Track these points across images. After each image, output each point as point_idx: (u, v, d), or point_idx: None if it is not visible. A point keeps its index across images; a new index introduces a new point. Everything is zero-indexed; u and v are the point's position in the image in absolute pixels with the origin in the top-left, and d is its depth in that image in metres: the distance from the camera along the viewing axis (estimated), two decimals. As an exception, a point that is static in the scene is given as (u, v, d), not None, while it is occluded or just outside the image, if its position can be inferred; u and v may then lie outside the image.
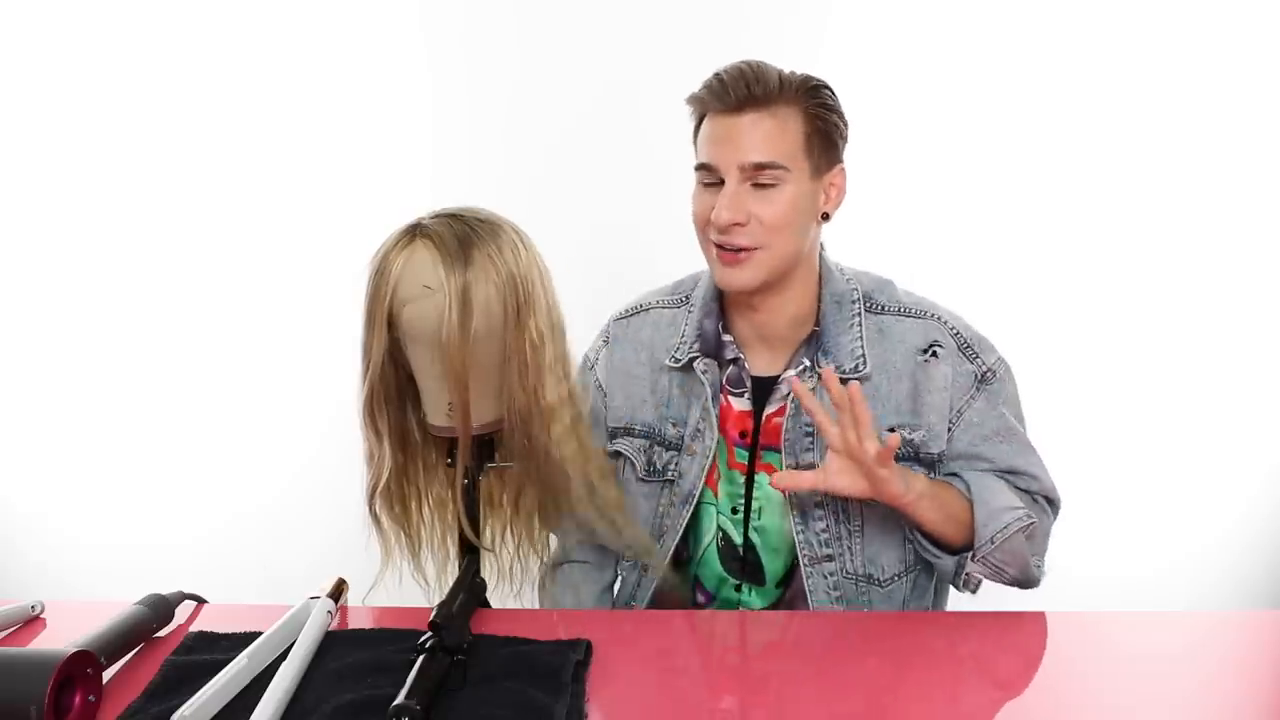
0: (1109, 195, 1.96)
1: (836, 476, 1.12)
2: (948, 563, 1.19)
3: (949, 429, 1.23)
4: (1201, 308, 2.00)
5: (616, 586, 1.39)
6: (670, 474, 1.29)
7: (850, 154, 1.25)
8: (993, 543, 1.14)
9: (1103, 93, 1.93)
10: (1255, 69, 1.91)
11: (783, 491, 1.22)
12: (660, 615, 1.27)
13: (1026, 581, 1.21)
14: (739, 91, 1.15)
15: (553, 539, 1.29)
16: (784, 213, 1.16)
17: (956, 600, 1.33)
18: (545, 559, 1.24)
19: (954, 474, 1.23)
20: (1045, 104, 1.94)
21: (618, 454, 1.34)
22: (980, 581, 1.20)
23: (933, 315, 1.25)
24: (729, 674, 1.04)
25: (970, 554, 1.16)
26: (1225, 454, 2.02)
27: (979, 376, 1.23)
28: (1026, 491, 1.24)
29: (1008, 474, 1.23)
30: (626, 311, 1.38)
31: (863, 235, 1.35)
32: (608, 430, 1.35)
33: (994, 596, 1.28)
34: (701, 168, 1.20)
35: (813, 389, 1.21)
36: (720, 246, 1.19)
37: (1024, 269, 1.97)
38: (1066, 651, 1.03)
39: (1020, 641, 1.06)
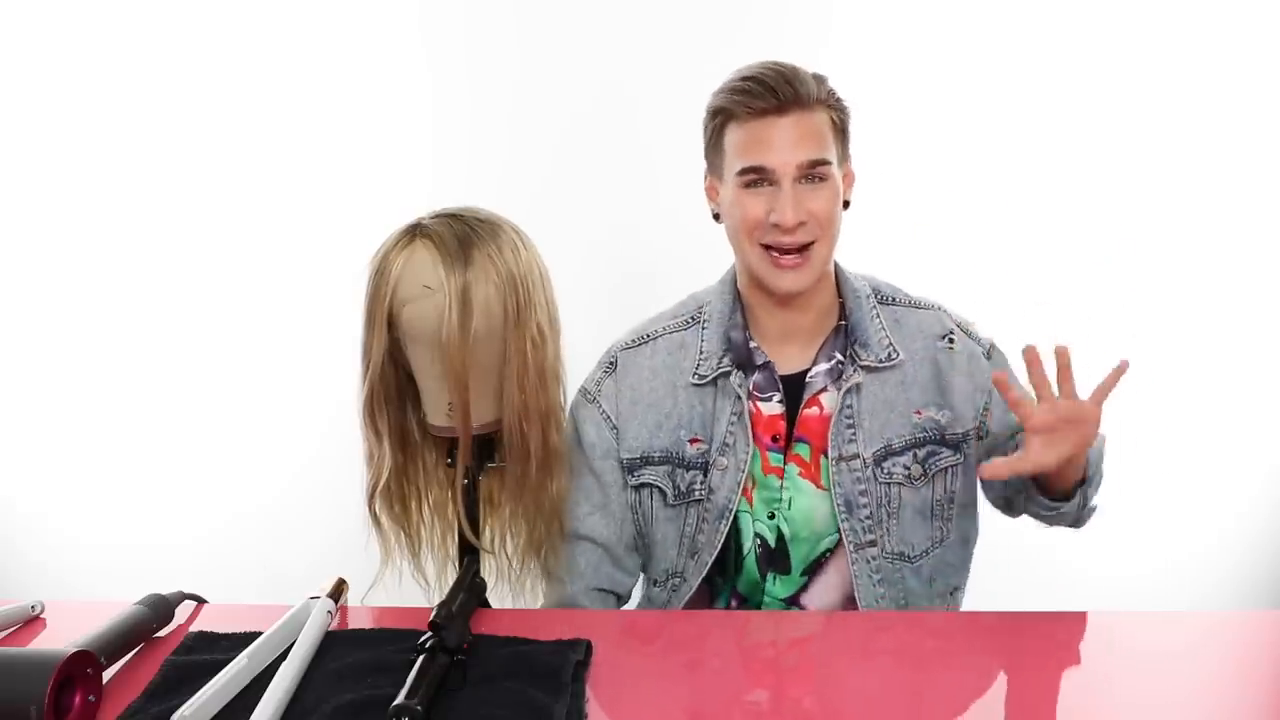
0: (1107, 196, 1.96)
1: (1044, 452, 1.10)
2: (1069, 507, 1.20)
3: (986, 408, 1.28)
4: (1202, 308, 1.99)
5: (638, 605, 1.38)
6: (697, 493, 1.26)
7: (852, 153, 1.27)
8: (1100, 470, 1.21)
9: (1105, 92, 1.93)
10: (1259, 70, 1.91)
11: (992, 478, 1.18)
12: (660, 615, 1.27)
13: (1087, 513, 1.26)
14: (785, 93, 1.17)
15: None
16: (832, 205, 1.21)
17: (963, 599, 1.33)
18: (547, 566, 1.23)
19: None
20: (1046, 103, 1.93)
21: (642, 486, 1.28)
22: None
23: (937, 306, 1.32)
24: (729, 674, 1.04)
25: (1085, 483, 1.19)
26: (1225, 454, 2.02)
27: (986, 353, 1.30)
28: None
29: None
30: (634, 341, 1.32)
31: (862, 234, 1.35)
32: (622, 463, 1.29)
33: (995, 597, 1.28)
34: (749, 171, 1.19)
35: (844, 389, 1.24)
36: (775, 249, 1.19)
37: (1023, 268, 1.97)
38: (1068, 651, 1.03)
39: (1021, 641, 1.06)
